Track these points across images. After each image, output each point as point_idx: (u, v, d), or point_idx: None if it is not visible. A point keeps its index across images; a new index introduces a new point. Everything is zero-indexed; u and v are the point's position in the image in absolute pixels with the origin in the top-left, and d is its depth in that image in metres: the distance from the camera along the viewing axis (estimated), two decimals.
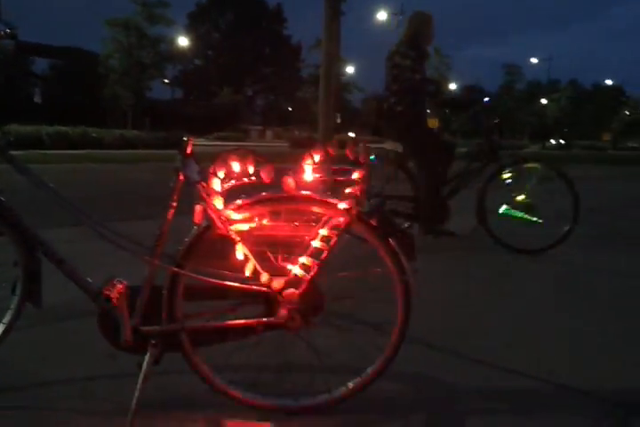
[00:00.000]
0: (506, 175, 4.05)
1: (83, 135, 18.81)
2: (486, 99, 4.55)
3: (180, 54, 36.67)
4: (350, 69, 50.32)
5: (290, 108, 62.27)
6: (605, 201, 7.71)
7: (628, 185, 11.12)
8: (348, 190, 1.46)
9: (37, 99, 28.26)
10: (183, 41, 37.03)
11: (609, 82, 73.24)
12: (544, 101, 62.40)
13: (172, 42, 33.44)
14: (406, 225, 4.08)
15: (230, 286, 1.51)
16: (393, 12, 39.16)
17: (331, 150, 1.46)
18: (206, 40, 68.68)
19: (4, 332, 1.76)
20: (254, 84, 70.70)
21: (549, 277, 3.47)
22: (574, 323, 2.56)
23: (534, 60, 61.89)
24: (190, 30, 56.86)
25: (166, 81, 41.73)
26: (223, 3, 69.38)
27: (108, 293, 1.45)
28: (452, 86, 52.43)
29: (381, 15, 38.66)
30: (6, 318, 1.77)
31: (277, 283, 1.50)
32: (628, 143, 63.02)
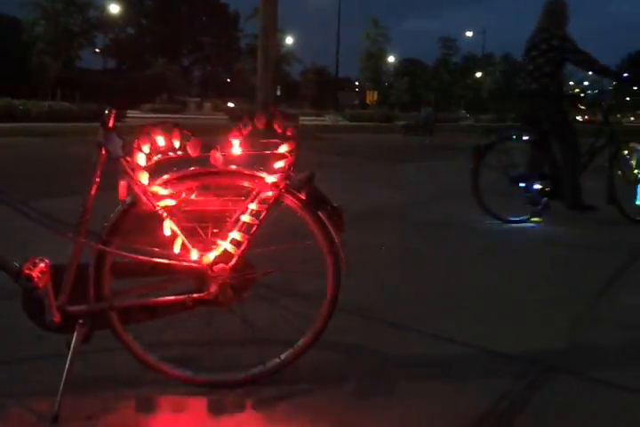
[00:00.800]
0: (625, 152, 4.47)
1: (8, 107, 17.73)
2: (625, 74, 4.82)
3: (112, 22, 35.00)
4: (289, 41, 49.64)
5: (228, 80, 60.93)
6: None
7: None
8: (276, 164, 1.46)
9: None
10: (114, 8, 35.30)
11: None
12: (479, 75, 63.71)
13: (103, 9, 31.80)
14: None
15: (159, 262, 1.49)
16: None
17: (259, 124, 1.44)
18: (139, 7, 65.75)
19: None
20: (190, 53, 68.57)
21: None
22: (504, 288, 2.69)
23: (469, 34, 62.80)
24: None
25: (97, 50, 39.86)
26: None
27: (29, 272, 1.40)
28: (391, 59, 52.78)
29: None
30: None
31: (207, 258, 1.49)
32: None
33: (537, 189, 4.23)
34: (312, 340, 1.64)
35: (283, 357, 1.64)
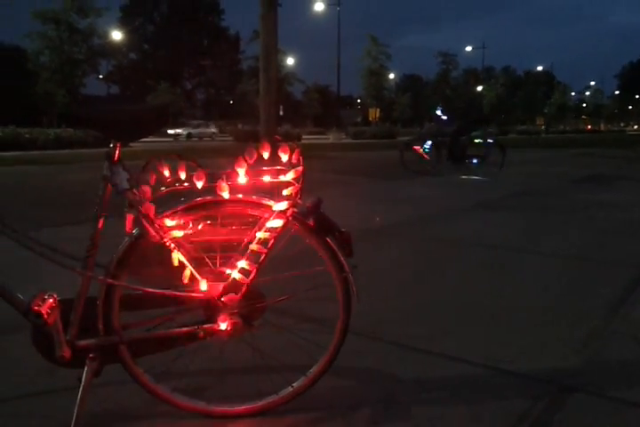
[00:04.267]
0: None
1: (14, 136, 17.94)
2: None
3: (114, 49, 35.52)
4: (290, 61, 50.16)
5: (231, 102, 61.48)
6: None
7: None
8: (284, 191, 1.45)
9: None
10: (117, 35, 35.89)
11: (540, 68, 75.91)
12: (480, 88, 64.03)
13: (105, 36, 32.31)
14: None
15: (168, 294, 1.48)
16: (330, 3, 39.16)
17: (264, 153, 1.44)
18: (141, 33, 66.83)
19: None
20: (193, 77, 69.42)
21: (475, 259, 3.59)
22: (504, 303, 2.66)
23: (469, 48, 63.29)
24: (124, 24, 55.17)
25: (100, 77, 40.39)
26: None
27: (37, 308, 1.39)
28: (392, 75, 53.18)
29: (319, 6, 38.59)
30: None
31: (216, 288, 1.48)
32: (560, 126, 65.53)
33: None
34: (325, 367, 1.62)
35: (295, 385, 1.62)
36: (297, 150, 1.45)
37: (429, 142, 10.33)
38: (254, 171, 1.46)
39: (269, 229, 1.47)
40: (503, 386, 1.86)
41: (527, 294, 2.88)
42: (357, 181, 8.72)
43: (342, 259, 1.53)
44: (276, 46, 14.65)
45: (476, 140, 10.21)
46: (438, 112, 11.11)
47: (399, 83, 63.05)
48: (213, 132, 39.66)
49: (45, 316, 1.39)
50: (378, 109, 42.47)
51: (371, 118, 42.30)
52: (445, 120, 10.91)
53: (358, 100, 63.42)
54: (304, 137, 32.13)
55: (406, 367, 1.99)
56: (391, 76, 51.52)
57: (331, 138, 31.21)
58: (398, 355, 2.11)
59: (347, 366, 1.87)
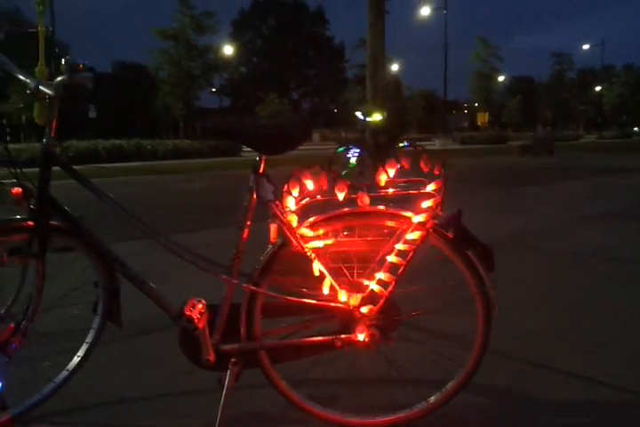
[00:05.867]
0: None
1: (137, 148, 19.34)
2: None
3: (227, 63, 37.27)
4: (394, 67, 49.96)
5: (335, 110, 62.33)
6: None
7: None
8: (424, 203, 1.43)
9: (92, 114, 29.32)
10: (228, 49, 37.66)
11: None
12: (598, 89, 60.12)
13: (218, 51, 34.03)
14: None
15: (308, 303, 1.50)
16: (436, 7, 38.58)
17: (405, 164, 1.44)
18: (250, 47, 69.68)
19: (88, 350, 1.83)
20: (299, 87, 71.23)
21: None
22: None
23: (586, 46, 59.58)
24: (235, 38, 57.84)
25: (213, 90, 42.55)
26: (265, 9, 70.22)
27: (189, 313, 1.47)
28: (501, 78, 51.36)
29: (424, 11, 38.14)
30: (89, 337, 1.83)
31: (355, 299, 1.49)
32: None
33: None
34: (462, 383, 1.57)
35: (431, 400, 1.59)
36: (439, 162, 1.43)
37: None
38: (394, 182, 1.46)
39: (408, 241, 1.45)
40: None
41: None
42: (475, 189, 8.43)
43: (483, 273, 1.48)
44: (384, 54, 14.69)
45: None
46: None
47: (509, 85, 60.69)
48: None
49: (196, 321, 1.47)
50: (487, 114, 41.16)
51: (479, 123, 41.07)
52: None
53: (465, 105, 61.89)
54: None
55: (542, 387, 1.88)
56: (500, 78, 49.75)
57: (437, 144, 30.69)
58: (531, 373, 2.00)
59: (477, 384, 1.80)
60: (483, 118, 40.57)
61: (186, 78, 30.24)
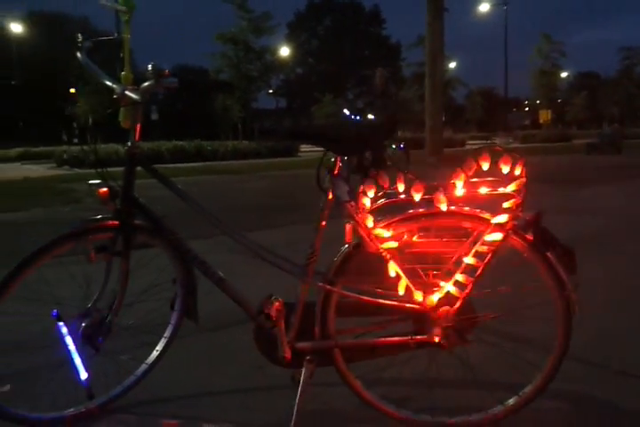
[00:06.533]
0: None
1: (198, 149, 19.85)
2: None
3: (283, 64, 37.68)
4: (452, 64, 49.11)
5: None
6: None
7: None
8: (504, 204, 1.41)
9: (154, 116, 30.27)
10: (285, 51, 38.05)
11: None
12: None
13: (275, 52, 34.43)
14: None
15: (384, 303, 1.51)
16: (496, 2, 37.73)
17: (484, 164, 1.42)
18: (306, 48, 70.18)
19: (166, 345, 1.90)
20: (355, 87, 71.10)
21: None
22: None
23: None
24: (291, 39, 58.35)
25: (270, 91, 43.10)
26: (320, 10, 70.57)
27: (267, 311, 1.50)
28: (564, 74, 49.60)
29: (484, 7, 37.36)
30: (167, 333, 1.90)
31: (431, 300, 1.48)
32: None
33: None
34: (540, 387, 1.54)
35: (509, 403, 1.56)
36: (521, 161, 1.40)
37: None
38: (472, 183, 1.44)
39: (487, 243, 1.43)
40: None
41: None
42: (544, 188, 8.13)
43: (564, 276, 1.44)
44: (443, 51, 14.48)
45: None
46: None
47: (573, 81, 58.53)
48: None
49: (274, 318, 1.50)
50: (549, 111, 39.84)
51: (542, 121, 39.78)
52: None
53: (526, 102, 60.13)
54: (468, 142, 31.22)
55: (630, 397, 1.81)
56: (563, 74, 48.04)
57: (497, 142, 29.94)
58: (618, 381, 1.93)
59: (557, 388, 1.75)
60: (545, 116, 39.27)
61: (244, 80, 30.74)
